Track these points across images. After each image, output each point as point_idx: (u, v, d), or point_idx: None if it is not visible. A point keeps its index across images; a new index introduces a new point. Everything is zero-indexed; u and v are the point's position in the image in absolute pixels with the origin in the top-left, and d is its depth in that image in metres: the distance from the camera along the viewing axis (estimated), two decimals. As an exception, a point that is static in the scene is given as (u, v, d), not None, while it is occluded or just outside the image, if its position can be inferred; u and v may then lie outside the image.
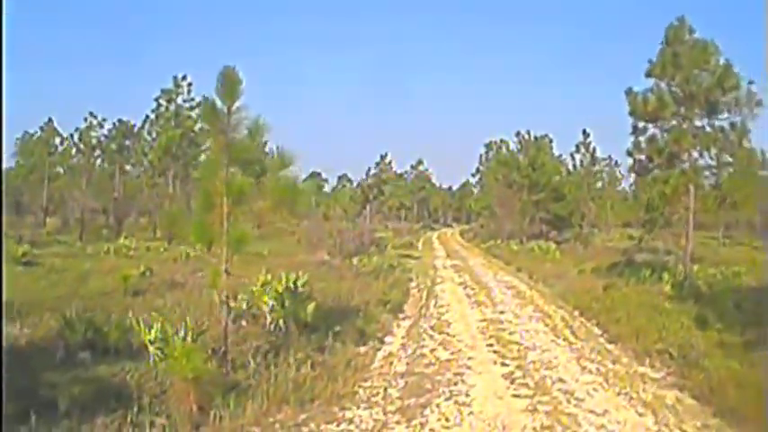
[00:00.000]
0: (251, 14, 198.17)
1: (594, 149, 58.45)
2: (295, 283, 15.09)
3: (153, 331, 10.64)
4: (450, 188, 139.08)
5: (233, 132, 10.92)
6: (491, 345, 13.97)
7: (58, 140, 64.51)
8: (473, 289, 23.92)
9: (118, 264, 26.38)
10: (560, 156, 63.54)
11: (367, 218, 34.24)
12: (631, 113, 24.44)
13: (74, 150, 63.77)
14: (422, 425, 8.85)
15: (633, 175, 28.75)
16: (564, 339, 14.68)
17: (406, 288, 23.56)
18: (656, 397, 10.11)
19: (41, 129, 64.27)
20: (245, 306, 14.04)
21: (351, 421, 8.96)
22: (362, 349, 13.25)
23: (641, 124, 24.48)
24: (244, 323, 13.75)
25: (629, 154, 25.58)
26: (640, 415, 9.23)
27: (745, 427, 8.55)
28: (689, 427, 8.73)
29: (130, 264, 25.52)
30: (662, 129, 24.31)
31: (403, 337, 14.91)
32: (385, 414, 9.29)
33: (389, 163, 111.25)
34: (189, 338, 10.34)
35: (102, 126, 62.67)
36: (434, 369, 11.86)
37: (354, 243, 32.46)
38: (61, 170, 65.88)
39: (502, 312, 18.47)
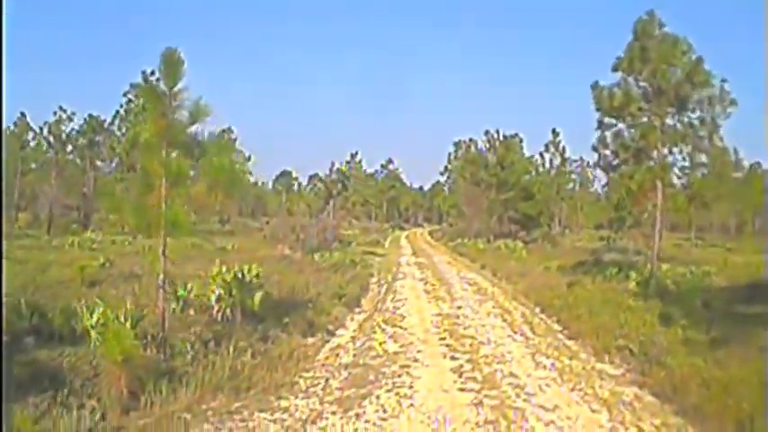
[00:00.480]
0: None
1: (564, 149, 58.35)
2: (245, 273, 14.37)
3: (95, 316, 10.45)
4: (421, 188, 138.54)
5: (173, 114, 10.56)
6: (443, 339, 13.29)
7: (30, 135, 62.80)
8: (433, 285, 23.25)
9: (80, 256, 25.49)
10: (531, 156, 63.14)
11: (330, 214, 33.16)
12: (597, 108, 23.79)
13: (45, 146, 62.13)
14: (358, 416, 8.27)
15: (601, 172, 28.17)
16: (521, 335, 14.02)
17: (366, 283, 22.88)
18: (613, 393, 9.49)
19: (15, 124, 62.53)
20: (192, 295, 13.34)
21: (286, 410, 8.45)
22: (310, 340, 12.64)
23: (607, 119, 23.87)
24: (192, 312, 13.02)
25: (595, 149, 24.93)
26: (594, 411, 8.61)
27: (709, 426, 7.92)
28: (646, 425, 8.10)
29: (92, 256, 24.71)
30: (629, 125, 23.75)
31: (354, 330, 14.29)
32: (322, 404, 8.74)
33: (360, 162, 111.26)
34: (129, 324, 10.05)
35: (71, 120, 61.05)
36: (381, 361, 11.21)
37: (317, 239, 31.62)
38: (33, 165, 64.15)
39: (459, 308, 17.78)
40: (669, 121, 23.04)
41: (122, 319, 10.19)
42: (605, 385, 9.97)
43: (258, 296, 13.06)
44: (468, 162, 59.42)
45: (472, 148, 68.71)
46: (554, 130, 58.65)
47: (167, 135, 10.47)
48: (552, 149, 57.92)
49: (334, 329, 14.09)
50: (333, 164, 37.70)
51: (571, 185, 63.62)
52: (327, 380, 9.91)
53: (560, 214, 57.97)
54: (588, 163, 69.88)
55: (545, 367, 11.04)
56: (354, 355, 11.63)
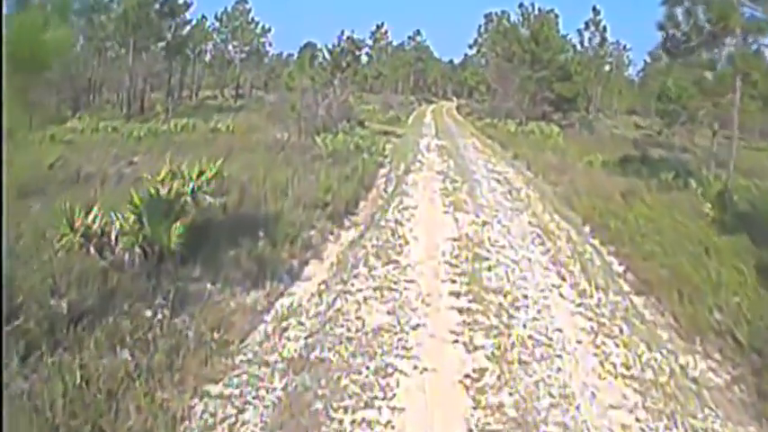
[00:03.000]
0: None
1: (605, 28, 52.16)
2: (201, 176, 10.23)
3: None
4: (451, 61, 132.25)
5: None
6: (457, 295, 8.90)
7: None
8: (455, 183, 18.81)
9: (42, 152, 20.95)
10: (566, 36, 56.77)
11: (336, 89, 28.51)
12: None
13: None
14: None
15: (663, 55, 22.90)
16: (572, 287, 9.64)
17: (370, 179, 18.38)
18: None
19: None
20: (97, 225, 8.82)
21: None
22: (250, 298, 8.16)
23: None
24: (93, 250, 8.55)
25: (661, 27, 19.74)
26: None
27: None
28: None
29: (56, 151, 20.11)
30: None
31: (327, 271, 9.86)
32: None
33: (386, 33, 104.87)
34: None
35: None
36: (350, 351, 6.87)
37: (323, 118, 27.10)
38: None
39: (485, 225, 13.44)
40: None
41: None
42: (708, 414, 5.87)
43: (177, 228, 8.60)
44: (500, 35, 53.55)
45: (504, 22, 62.50)
46: (594, 8, 52.43)
47: None
48: (592, 27, 51.75)
49: (298, 271, 9.66)
50: (342, 32, 33.19)
51: (608, 68, 57.66)
52: (242, 410, 5.64)
53: (596, 98, 52.44)
54: (624, 46, 64.21)
55: (616, 374, 6.70)
56: (310, 335, 7.27)
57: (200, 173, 10.95)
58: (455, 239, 12.01)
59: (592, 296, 9.20)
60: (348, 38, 30.69)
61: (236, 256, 9.14)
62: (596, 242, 12.57)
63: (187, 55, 62.51)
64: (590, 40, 51.25)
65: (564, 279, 9.91)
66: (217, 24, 69.91)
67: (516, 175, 21.51)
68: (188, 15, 54.42)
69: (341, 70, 29.68)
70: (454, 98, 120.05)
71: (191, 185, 10.36)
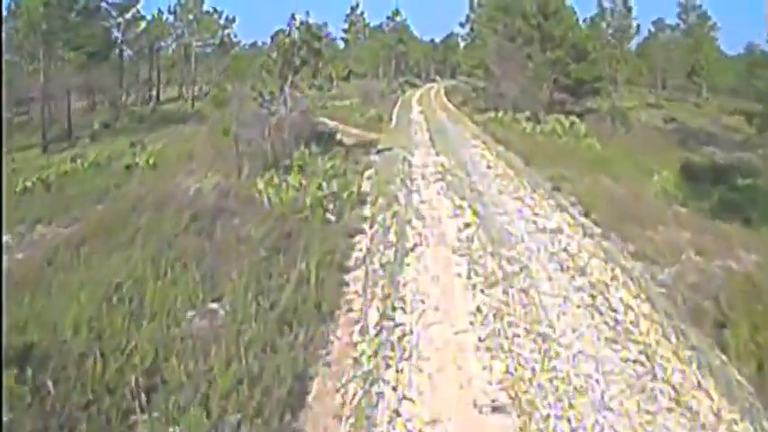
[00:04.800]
0: None
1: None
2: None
3: None
4: (432, 40, 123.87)
5: None
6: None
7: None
8: (493, 285, 10.21)
9: None
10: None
11: (287, 99, 19.16)
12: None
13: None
14: None
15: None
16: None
17: (332, 305, 9.70)
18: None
19: None
20: None
21: None
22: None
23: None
24: None
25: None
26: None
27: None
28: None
29: None
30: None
31: None
32: None
33: (362, 14, 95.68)
34: None
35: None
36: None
37: (271, 144, 18.34)
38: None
39: None
40: None
41: None
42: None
43: None
44: (500, 10, 44.26)
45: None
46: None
47: None
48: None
49: None
50: (293, 17, 23.48)
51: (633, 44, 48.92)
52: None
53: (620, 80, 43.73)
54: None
55: None
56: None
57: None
58: None
59: None
60: (302, 24, 21.38)
61: None
62: None
63: (143, 55, 55.70)
64: (612, 12, 42.16)
65: None
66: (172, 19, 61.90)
67: (579, 250, 12.79)
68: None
69: (293, 70, 20.57)
70: (438, 78, 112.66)
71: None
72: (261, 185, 15.94)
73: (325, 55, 23.18)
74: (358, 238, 13.08)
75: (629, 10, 43.66)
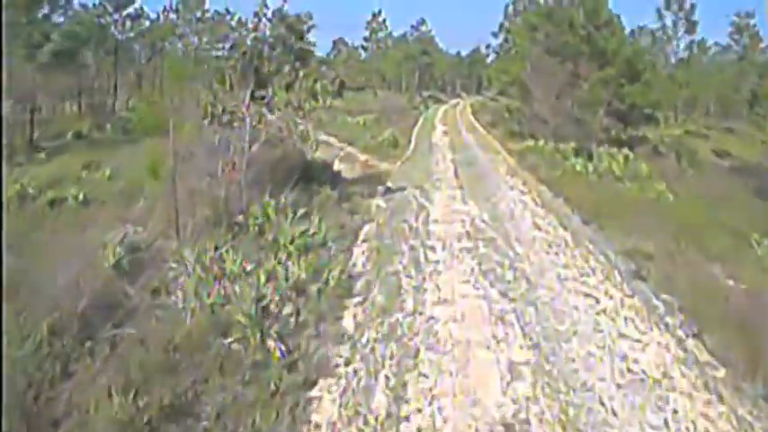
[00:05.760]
0: None
1: (693, 7, 37.15)
2: None
3: None
4: (458, 53, 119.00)
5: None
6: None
7: None
8: None
9: None
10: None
11: (247, 122, 13.28)
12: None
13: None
14: None
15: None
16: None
17: None
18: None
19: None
20: None
21: None
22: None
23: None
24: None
25: None
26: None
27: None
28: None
29: None
30: None
31: None
32: None
33: (383, 21, 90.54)
34: None
35: None
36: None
37: (226, 191, 12.48)
38: None
39: None
40: None
41: None
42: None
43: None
44: (541, 17, 37.97)
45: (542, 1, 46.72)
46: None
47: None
48: (675, 7, 36.57)
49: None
50: (256, 15, 17.97)
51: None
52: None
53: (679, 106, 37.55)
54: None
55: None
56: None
57: None
58: None
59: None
60: (276, 14, 15.11)
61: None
62: None
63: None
64: (674, 24, 35.96)
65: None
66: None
67: None
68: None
69: (258, 80, 14.42)
70: (464, 94, 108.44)
71: None
72: (191, 260, 10.08)
73: (313, 59, 17.03)
74: (316, 393, 7.14)
75: (693, 24, 37.31)
